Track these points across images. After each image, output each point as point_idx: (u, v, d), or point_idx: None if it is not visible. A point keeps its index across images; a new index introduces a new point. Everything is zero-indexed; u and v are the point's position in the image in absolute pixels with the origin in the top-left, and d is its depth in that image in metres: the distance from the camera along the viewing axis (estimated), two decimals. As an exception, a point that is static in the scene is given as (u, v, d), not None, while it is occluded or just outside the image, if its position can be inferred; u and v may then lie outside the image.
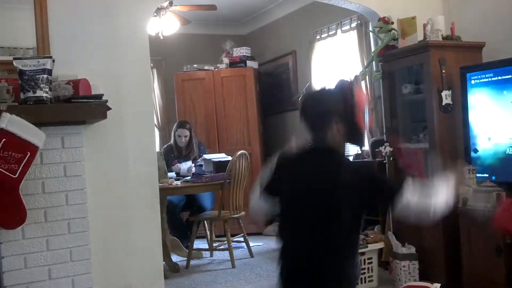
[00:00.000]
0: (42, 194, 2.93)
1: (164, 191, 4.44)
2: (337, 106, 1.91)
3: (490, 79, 3.62)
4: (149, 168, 3.49)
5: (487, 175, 3.58)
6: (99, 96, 2.99)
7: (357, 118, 1.89)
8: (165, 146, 5.88)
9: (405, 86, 4.16)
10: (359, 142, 2.05)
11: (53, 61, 2.90)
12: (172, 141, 5.70)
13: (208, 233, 5.41)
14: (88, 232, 3.03)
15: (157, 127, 7.04)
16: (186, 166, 5.51)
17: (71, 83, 2.98)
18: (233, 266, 4.82)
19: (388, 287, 3.94)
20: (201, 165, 5.34)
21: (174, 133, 5.65)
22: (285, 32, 6.83)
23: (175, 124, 5.75)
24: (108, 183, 3.32)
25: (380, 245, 4.07)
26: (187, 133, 5.58)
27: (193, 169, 5.26)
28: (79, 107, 2.89)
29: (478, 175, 3.58)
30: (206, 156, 5.39)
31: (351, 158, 5.10)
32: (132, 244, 3.39)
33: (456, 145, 3.84)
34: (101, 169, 3.28)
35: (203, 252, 5.35)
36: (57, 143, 2.99)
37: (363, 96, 1.88)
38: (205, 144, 6.13)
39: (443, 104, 3.81)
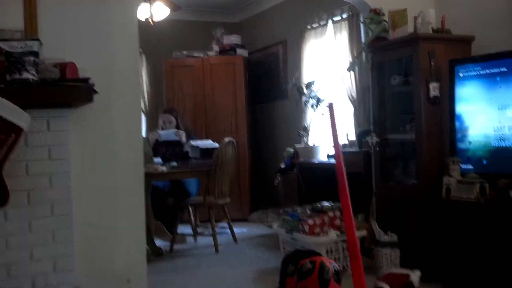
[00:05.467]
0: (26, 177, 2.92)
1: (149, 176, 4.44)
2: None
3: (478, 73, 3.64)
4: (134, 153, 3.48)
5: (471, 167, 3.62)
6: (86, 80, 2.97)
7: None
8: (152, 132, 5.86)
9: (394, 78, 4.18)
10: None
11: (41, 43, 2.88)
12: (159, 128, 5.69)
13: (192, 218, 5.42)
14: (72, 215, 3.03)
15: (144, 113, 7.01)
16: (167, 132, 5.47)
17: (58, 66, 2.95)
18: (217, 251, 4.84)
19: (369, 273, 3.97)
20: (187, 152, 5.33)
21: (160, 120, 5.62)
22: (277, 21, 6.82)
23: (161, 111, 5.73)
24: (93, 167, 3.30)
25: (363, 232, 4.11)
26: (172, 119, 5.55)
27: (183, 137, 5.21)
28: (65, 90, 2.87)
29: (463, 166, 3.61)
30: (193, 142, 5.39)
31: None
32: (115, 228, 3.38)
33: (443, 137, 3.88)
34: (86, 153, 3.26)
35: (187, 237, 5.36)
36: (42, 126, 2.97)
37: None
38: (193, 131, 6.12)
39: (431, 96, 3.84)
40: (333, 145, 1.63)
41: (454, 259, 3.51)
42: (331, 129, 1.63)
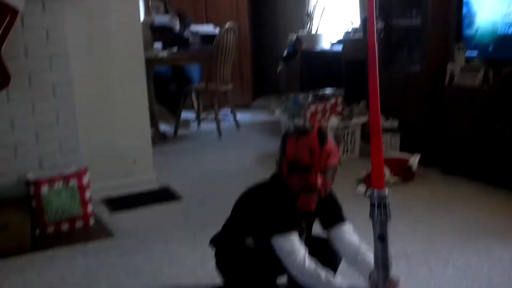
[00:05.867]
0: (25, 58, 2.89)
1: (150, 62, 4.39)
2: None
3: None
4: (133, 37, 3.42)
5: (476, 54, 3.57)
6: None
7: None
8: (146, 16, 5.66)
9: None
10: None
11: None
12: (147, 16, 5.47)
13: (195, 105, 5.45)
14: (73, 97, 3.03)
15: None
16: (162, 17, 5.33)
17: None
18: (220, 136, 4.92)
19: (369, 158, 4.04)
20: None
21: (149, 5, 5.42)
22: None
23: None
24: (92, 52, 3.27)
25: (364, 118, 4.16)
26: (160, 4, 5.34)
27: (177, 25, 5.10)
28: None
29: (467, 53, 3.57)
30: (193, 29, 5.27)
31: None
32: (119, 112, 3.42)
33: (449, 23, 3.77)
34: (83, 37, 3.21)
35: (191, 123, 5.42)
36: (37, 6, 2.89)
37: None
38: (192, 15, 5.93)
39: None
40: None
41: (454, 144, 3.57)
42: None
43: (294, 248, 1.75)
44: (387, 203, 1.50)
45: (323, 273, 1.71)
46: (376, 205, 1.50)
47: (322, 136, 1.75)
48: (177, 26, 5.34)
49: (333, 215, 1.91)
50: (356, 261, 1.80)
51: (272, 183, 1.91)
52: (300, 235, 1.86)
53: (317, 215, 1.92)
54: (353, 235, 1.87)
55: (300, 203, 1.79)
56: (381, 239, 1.51)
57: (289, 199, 1.81)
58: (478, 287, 2.18)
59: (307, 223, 1.94)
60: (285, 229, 1.77)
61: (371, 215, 1.51)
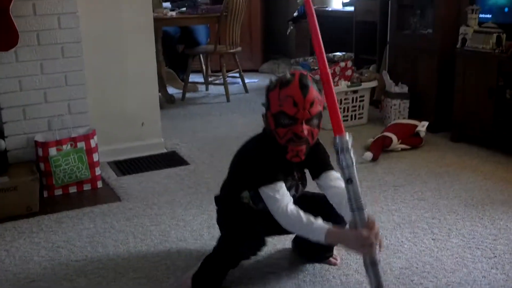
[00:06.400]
0: (34, 16, 2.85)
1: (158, 22, 4.34)
2: None
3: None
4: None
5: (490, 16, 3.49)
6: None
7: None
8: None
9: None
10: None
11: None
12: None
13: (204, 67, 5.41)
14: (82, 57, 3.01)
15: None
16: None
17: None
18: (228, 100, 4.89)
19: (377, 124, 4.04)
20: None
21: None
22: None
23: None
24: (101, 8, 3.23)
25: (374, 83, 4.11)
26: None
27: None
28: None
29: (481, 15, 3.49)
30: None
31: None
32: (127, 73, 3.40)
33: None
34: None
35: (199, 86, 5.39)
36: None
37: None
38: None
39: None
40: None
41: (463, 110, 3.53)
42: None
43: (279, 195, 1.78)
44: (349, 148, 1.56)
45: (305, 216, 1.74)
46: (339, 151, 1.56)
47: (303, 85, 1.75)
48: None
49: (320, 164, 1.93)
50: (342, 206, 1.80)
51: (261, 137, 1.94)
52: (296, 189, 1.92)
53: (306, 165, 1.94)
54: (339, 181, 1.86)
55: (290, 154, 1.82)
56: (350, 182, 1.57)
57: (278, 151, 1.83)
58: (481, 256, 2.18)
59: (299, 175, 1.96)
60: (271, 179, 1.80)
61: (337, 161, 1.58)
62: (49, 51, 2.91)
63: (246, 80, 5.31)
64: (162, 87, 4.62)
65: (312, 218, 1.73)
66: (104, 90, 3.33)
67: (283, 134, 1.79)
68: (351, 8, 4.87)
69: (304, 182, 2.00)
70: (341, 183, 1.78)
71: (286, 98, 1.76)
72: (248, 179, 1.87)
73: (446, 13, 3.69)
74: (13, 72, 2.86)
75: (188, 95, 5.04)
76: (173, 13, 4.82)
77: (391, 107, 3.90)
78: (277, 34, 6.55)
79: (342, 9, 5.19)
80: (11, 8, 2.69)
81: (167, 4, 5.04)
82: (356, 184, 1.57)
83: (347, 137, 1.56)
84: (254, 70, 6.25)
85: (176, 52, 5.44)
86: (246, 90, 5.23)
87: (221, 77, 5.04)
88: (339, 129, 1.55)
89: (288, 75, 1.81)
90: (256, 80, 5.80)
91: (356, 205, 1.59)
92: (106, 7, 3.25)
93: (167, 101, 4.83)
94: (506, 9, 3.42)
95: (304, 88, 1.75)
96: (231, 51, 4.95)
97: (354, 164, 1.57)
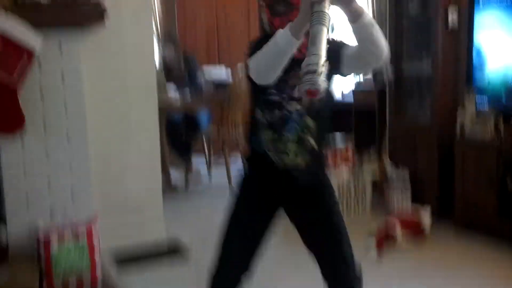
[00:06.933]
0: (40, 101, 2.88)
1: (163, 110, 4.41)
2: None
3: (499, 0, 3.46)
4: (148, 80, 3.45)
5: (487, 102, 3.53)
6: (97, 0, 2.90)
7: None
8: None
9: (412, 4, 4.01)
10: None
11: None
12: (161, 61, 5.54)
13: (206, 150, 5.44)
14: (87, 144, 3.02)
15: (156, 37, 6.86)
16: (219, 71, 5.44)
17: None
18: (230, 184, 4.89)
19: (379, 209, 4.03)
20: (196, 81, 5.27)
21: (161, 50, 5.49)
22: None
23: (162, 41, 5.58)
24: (107, 93, 3.28)
25: (374, 167, 4.11)
26: (172, 46, 5.40)
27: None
28: (76, 8, 2.80)
29: (479, 103, 3.53)
30: (206, 75, 5.29)
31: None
32: (130, 158, 3.42)
33: (459, 69, 3.77)
34: (99, 78, 3.23)
35: (201, 172, 5.38)
36: (54, 48, 2.89)
37: None
38: (205, 55, 5.99)
39: (449, 23, 3.69)
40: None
41: (465, 198, 3.50)
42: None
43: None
44: None
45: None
46: None
47: None
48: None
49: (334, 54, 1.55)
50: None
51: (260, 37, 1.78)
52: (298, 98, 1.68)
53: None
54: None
55: None
56: None
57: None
58: None
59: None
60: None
61: None
62: (55, 137, 2.91)
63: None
64: (165, 173, 4.63)
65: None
66: (106, 175, 3.34)
67: (279, 24, 1.61)
68: (351, 98, 4.93)
69: None
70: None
71: None
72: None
73: (443, 101, 3.75)
74: (19, 158, 2.85)
75: (191, 178, 5.04)
76: (178, 102, 4.90)
77: (393, 192, 3.88)
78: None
79: (342, 100, 5.16)
80: (18, 92, 2.75)
81: (172, 90, 5.14)
82: None
83: None
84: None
85: (180, 136, 5.49)
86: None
87: (223, 158, 5.06)
88: None
89: None
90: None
91: None
92: (111, 92, 3.31)
93: (169, 187, 4.82)
94: (504, 98, 3.46)
95: None
96: (234, 134, 5.00)
97: None
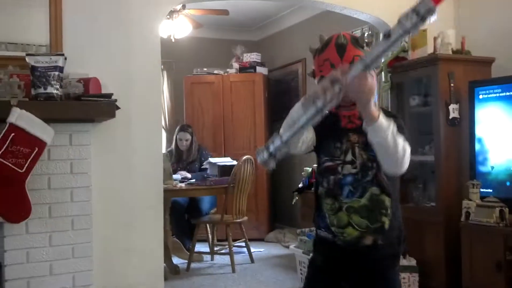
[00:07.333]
0: (48, 190, 2.96)
1: (168, 193, 4.46)
2: None
3: (498, 95, 3.62)
4: (154, 169, 3.52)
5: (491, 190, 3.58)
6: (109, 95, 3.02)
7: None
8: (167, 150, 5.94)
9: (413, 98, 4.17)
10: None
11: (65, 58, 2.94)
12: (173, 145, 5.74)
13: (210, 236, 5.42)
14: (91, 229, 3.05)
15: (164, 129, 7.07)
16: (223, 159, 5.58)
17: (81, 81, 3.02)
18: (233, 271, 4.82)
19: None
20: (203, 169, 5.38)
21: (176, 136, 5.69)
22: (296, 39, 6.86)
23: (177, 128, 5.79)
24: (114, 182, 3.34)
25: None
26: (188, 136, 5.60)
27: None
28: (88, 105, 2.92)
29: (482, 190, 3.58)
30: (212, 160, 5.42)
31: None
32: (134, 244, 3.41)
33: (462, 159, 3.84)
34: (107, 168, 3.30)
35: (204, 256, 5.35)
36: (65, 140, 3.02)
37: None
38: (211, 148, 6.16)
39: (450, 117, 3.81)
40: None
41: (473, 283, 3.45)
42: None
43: None
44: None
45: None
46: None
47: (339, 45, 1.68)
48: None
49: None
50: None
51: None
52: (353, 153, 1.73)
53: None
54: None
55: (343, 122, 1.70)
56: (386, 36, 1.41)
57: (331, 120, 1.70)
58: None
59: (359, 139, 1.74)
60: None
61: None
62: (59, 223, 2.98)
63: (252, 250, 5.28)
64: (167, 257, 4.58)
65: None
66: (109, 260, 3.31)
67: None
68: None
69: (366, 147, 1.73)
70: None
71: (324, 62, 1.70)
72: None
73: (447, 187, 3.79)
74: (22, 244, 2.88)
75: (193, 265, 4.98)
76: (183, 185, 4.97)
77: (400, 281, 3.82)
78: (283, 204, 6.67)
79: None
80: (27, 181, 2.81)
81: (177, 176, 5.23)
82: (392, 41, 1.38)
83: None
84: (260, 239, 6.25)
85: (184, 221, 5.50)
86: (252, 260, 5.18)
87: (227, 246, 5.03)
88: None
89: (325, 38, 1.75)
90: (262, 250, 5.76)
91: (370, 61, 1.42)
92: (118, 181, 3.37)
93: (171, 271, 4.76)
94: (508, 183, 3.51)
95: (340, 48, 1.68)
96: (238, 220, 5.01)
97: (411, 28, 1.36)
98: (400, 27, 1.36)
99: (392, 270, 1.77)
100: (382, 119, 1.55)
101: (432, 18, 1.34)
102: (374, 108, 1.54)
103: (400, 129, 1.67)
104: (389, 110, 1.67)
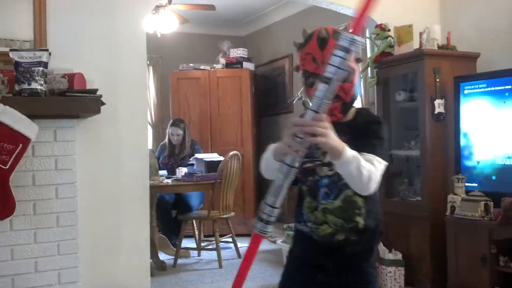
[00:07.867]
0: (32, 187, 2.94)
1: (154, 189, 4.45)
2: None
3: (483, 90, 3.65)
4: (140, 165, 3.50)
5: (476, 185, 3.61)
6: (94, 91, 3.00)
7: None
8: (160, 144, 5.92)
9: (399, 93, 4.19)
10: None
11: (50, 54, 2.91)
12: (166, 139, 5.74)
13: (196, 232, 5.41)
14: (77, 226, 3.04)
15: (150, 124, 7.04)
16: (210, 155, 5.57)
17: (66, 76, 2.99)
18: (220, 267, 4.82)
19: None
20: (192, 164, 5.37)
21: (168, 131, 5.69)
22: (283, 35, 6.86)
23: (170, 122, 5.78)
24: (99, 178, 3.32)
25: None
26: (180, 132, 5.61)
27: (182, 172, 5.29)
28: (73, 100, 2.90)
29: (467, 184, 3.61)
30: (198, 156, 5.41)
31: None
32: (120, 240, 3.40)
33: (447, 154, 3.87)
34: (92, 164, 3.28)
35: (191, 251, 5.35)
36: (49, 136, 2.99)
37: None
38: (198, 143, 6.14)
39: (436, 112, 3.84)
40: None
41: (458, 277, 3.49)
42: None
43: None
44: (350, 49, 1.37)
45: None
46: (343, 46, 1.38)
47: (321, 39, 1.67)
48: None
49: (359, 143, 1.58)
50: None
51: None
52: (329, 164, 1.65)
53: (347, 137, 1.57)
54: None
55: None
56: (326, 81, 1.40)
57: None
58: None
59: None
60: None
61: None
62: (44, 220, 2.96)
63: (239, 245, 5.28)
64: (153, 254, 4.57)
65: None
66: (95, 257, 3.29)
67: (311, 93, 1.61)
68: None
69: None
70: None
71: (306, 56, 1.70)
72: None
73: (433, 182, 3.82)
74: (6, 241, 2.86)
75: (180, 261, 4.97)
76: (169, 181, 4.95)
77: (386, 275, 3.85)
78: (270, 199, 6.66)
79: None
80: (11, 178, 2.78)
81: (163, 172, 5.21)
82: (332, 86, 1.37)
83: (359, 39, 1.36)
84: (247, 235, 6.23)
85: (170, 217, 5.49)
86: (239, 256, 5.17)
87: (214, 242, 5.02)
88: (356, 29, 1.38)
89: (308, 32, 1.74)
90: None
91: (317, 107, 1.40)
92: (103, 175, 3.35)
93: (158, 267, 4.74)
94: (494, 177, 3.55)
95: (322, 42, 1.67)
96: (225, 216, 5.00)
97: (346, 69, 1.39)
98: (333, 68, 1.37)
99: (366, 263, 1.77)
100: (346, 154, 1.49)
101: (359, 45, 1.37)
102: (336, 144, 1.48)
103: (377, 140, 1.64)
104: (374, 111, 1.60)
